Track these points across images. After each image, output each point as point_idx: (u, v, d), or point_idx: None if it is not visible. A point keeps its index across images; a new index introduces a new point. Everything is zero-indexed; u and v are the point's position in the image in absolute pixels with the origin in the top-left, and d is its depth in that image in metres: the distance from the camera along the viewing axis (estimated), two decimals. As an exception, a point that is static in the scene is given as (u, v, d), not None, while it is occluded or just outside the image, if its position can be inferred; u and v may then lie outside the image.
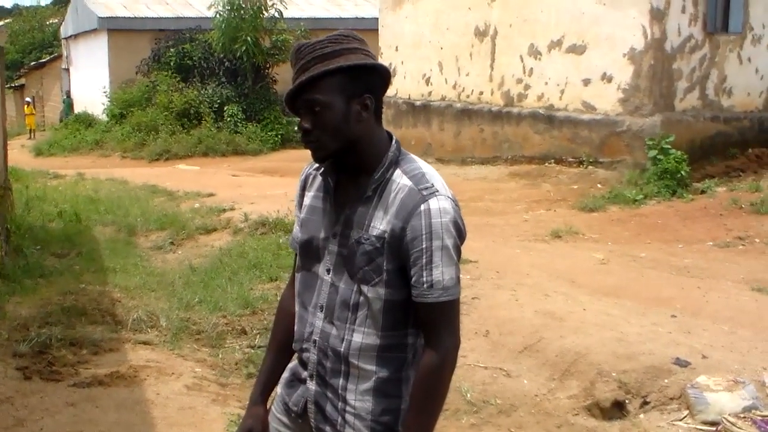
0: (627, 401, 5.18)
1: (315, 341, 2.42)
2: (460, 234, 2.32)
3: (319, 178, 2.48)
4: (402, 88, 17.39)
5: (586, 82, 13.44)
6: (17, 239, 9.36)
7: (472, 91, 15.80)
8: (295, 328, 2.52)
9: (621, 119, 12.91)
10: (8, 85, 34.17)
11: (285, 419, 2.56)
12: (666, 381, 5.24)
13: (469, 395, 5.34)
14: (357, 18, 30.71)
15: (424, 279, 2.27)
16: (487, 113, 15.40)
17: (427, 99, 16.96)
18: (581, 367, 5.57)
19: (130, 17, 29.64)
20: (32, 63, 42.86)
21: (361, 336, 2.35)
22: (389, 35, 17.49)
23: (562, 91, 13.87)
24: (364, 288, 2.33)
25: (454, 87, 16.26)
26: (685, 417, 4.96)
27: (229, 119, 24.64)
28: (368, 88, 2.32)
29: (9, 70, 32.10)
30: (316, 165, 2.47)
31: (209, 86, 25.88)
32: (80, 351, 6.05)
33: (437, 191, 2.29)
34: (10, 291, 7.40)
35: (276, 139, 24.13)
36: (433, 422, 2.33)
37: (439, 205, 2.27)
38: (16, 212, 10.53)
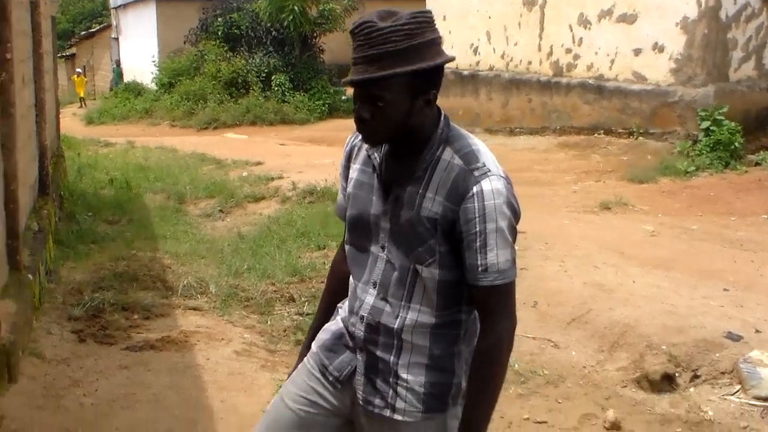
0: (677, 374, 5.12)
1: (363, 317, 2.40)
2: (515, 214, 2.26)
3: (365, 151, 2.43)
4: (450, 57, 17.24)
5: (637, 51, 13.22)
6: (70, 206, 9.51)
7: (521, 60, 15.64)
8: (348, 300, 2.51)
9: (673, 90, 12.69)
10: (59, 55, 34.57)
11: (320, 378, 2.52)
12: (717, 355, 5.18)
13: (516, 366, 5.33)
14: (405, -13, 30.50)
15: (479, 262, 2.22)
16: (535, 83, 15.24)
17: (474, 69, 16.82)
18: (630, 340, 5.52)
19: (178, -14, 29.74)
20: (83, 32, 43.35)
21: (416, 314, 2.33)
22: (436, 4, 17.30)
23: (612, 61, 13.67)
24: (419, 267, 2.30)
25: (503, 57, 16.11)
26: (737, 392, 4.90)
27: (276, 88, 24.71)
28: (435, 84, 2.25)
29: (60, 39, 32.43)
30: (361, 136, 2.40)
31: (257, 55, 25.96)
32: (132, 316, 6.15)
33: (489, 171, 2.23)
34: (64, 256, 7.53)
35: (323, 108, 24.16)
36: (493, 404, 2.30)
37: (491, 186, 2.20)
38: (68, 179, 10.70)
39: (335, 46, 26.82)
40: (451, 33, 17.03)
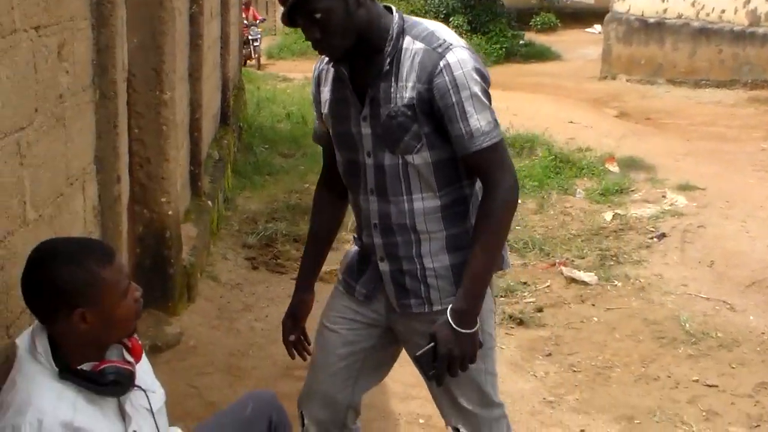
0: None
1: (375, 224, 2.47)
2: (485, 78, 2.34)
3: (332, 70, 2.48)
4: (635, 4, 16.59)
5: None
6: (248, 137, 9.83)
7: (713, 8, 14.86)
8: (356, 219, 2.59)
9: None
10: (244, -10, 35.49)
11: (351, 297, 2.61)
12: None
13: (687, 325, 5.16)
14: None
15: (463, 131, 2.29)
16: (727, 33, 14.46)
17: (661, 16, 16.10)
18: (816, 309, 5.24)
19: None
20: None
21: (421, 202, 2.40)
22: (626, -53, 16.70)
23: (817, 11, 12.78)
24: (409, 158, 2.36)
25: (693, 4, 15.34)
26: None
27: (454, 30, 24.51)
28: None
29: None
30: (327, 59, 2.48)
31: (436, -5, 25.82)
32: (302, 247, 6.32)
33: (451, 44, 2.31)
34: (240, 186, 7.83)
35: (500, 52, 23.78)
36: (494, 259, 2.38)
37: (457, 58, 2.29)
38: (248, 112, 11.05)
39: (516, -12, 26.32)
40: (638, -23, 16.39)
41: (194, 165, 5.85)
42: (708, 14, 14.98)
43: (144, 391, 2.09)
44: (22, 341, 1.98)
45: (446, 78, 2.27)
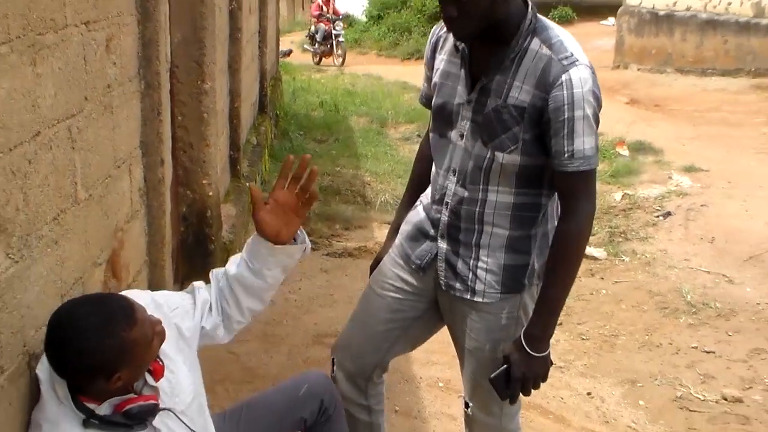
0: None
1: (447, 203, 2.39)
2: (599, 102, 2.20)
3: (451, 40, 2.34)
4: (647, -4, 16.40)
5: None
6: (284, 124, 9.88)
7: (720, 1, 14.63)
8: (430, 188, 2.50)
9: None
10: (282, -13, 35.33)
11: (404, 265, 2.54)
12: None
13: (689, 297, 5.16)
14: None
15: (566, 149, 2.16)
16: (733, 24, 14.23)
17: (671, 9, 15.88)
18: (809, 282, 5.20)
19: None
20: (303, -33, 44.08)
21: (495, 195, 2.30)
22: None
23: (818, 3, 12.54)
24: (498, 154, 2.25)
25: (701, -3, 15.12)
26: None
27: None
28: None
29: (283, -27, 33.13)
30: (452, 34, 2.29)
31: (460, -9, 25.60)
32: (334, 225, 6.38)
33: (577, 60, 2.16)
34: (277, 169, 7.78)
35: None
36: (570, 283, 2.29)
37: (579, 75, 2.14)
38: (284, 100, 11.08)
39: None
40: (649, -28, 16.17)
41: (234, 150, 5.89)
42: (715, 6, 14.75)
43: (170, 410, 1.98)
44: (44, 374, 1.82)
45: (564, 92, 2.13)
